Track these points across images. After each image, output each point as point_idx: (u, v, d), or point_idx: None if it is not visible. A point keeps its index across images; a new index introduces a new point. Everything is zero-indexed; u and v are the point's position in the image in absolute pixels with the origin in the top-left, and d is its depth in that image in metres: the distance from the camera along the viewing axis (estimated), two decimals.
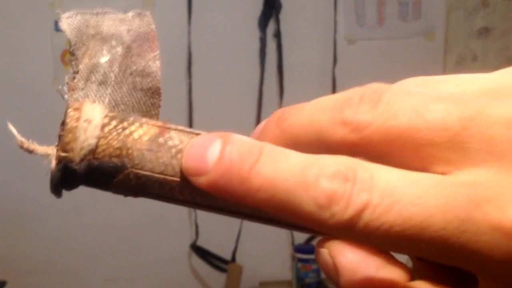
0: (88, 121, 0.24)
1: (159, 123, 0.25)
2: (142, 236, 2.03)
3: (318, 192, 0.19)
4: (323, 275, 1.89)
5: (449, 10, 2.00)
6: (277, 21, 2.00)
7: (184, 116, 1.97)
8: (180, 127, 0.25)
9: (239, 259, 1.99)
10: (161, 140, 0.24)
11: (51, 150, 0.26)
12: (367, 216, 0.19)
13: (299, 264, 1.84)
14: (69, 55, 0.29)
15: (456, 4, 1.99)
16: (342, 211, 0.19)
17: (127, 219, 2.00)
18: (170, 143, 0.24)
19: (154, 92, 0.30)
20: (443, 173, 0.19)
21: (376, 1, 2.00)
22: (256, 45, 2.00)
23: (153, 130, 0.25)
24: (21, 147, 0.28)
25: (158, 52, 0.31)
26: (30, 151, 0.28)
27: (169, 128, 0.25)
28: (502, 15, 2.00)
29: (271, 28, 2.01)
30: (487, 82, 0.21)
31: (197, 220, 2.00)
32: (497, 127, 0.18)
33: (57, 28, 2.00)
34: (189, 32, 1.97)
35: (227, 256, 2.00)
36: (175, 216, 2.00)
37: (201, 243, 2.02)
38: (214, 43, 2.00)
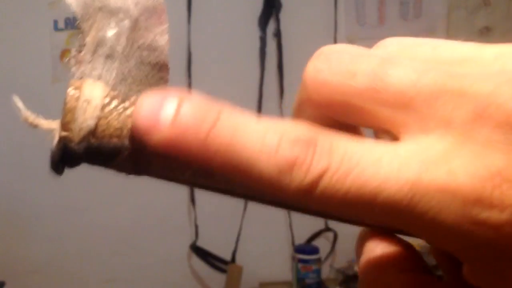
0: (88, 101, 0.24)
1: None
2: (142, 237, 2.03)
3: (278, 158, 0.20)
4: (323, 276, 1.88)
5: (450, 9, 2.01)
6: (277, 21, 2.00)
7: None
8: None
9: (239, 259, 1.99)
10: None
11: (56, 125, 0.25)
12: (325, 181, 0.19)
13: (299, 265, 1.84)
14: (77, 24, 0.28)
15: (457, 3, 2.00)
16: (302, 176, 0.19)
17: (127, 219, 2.00)
18: None
19: (162, 67, 0.30)
20: (397, 136, 0.20)
21: (377, 0, 2.00)
22: (256, 44, 2.00)
23: None
24: (26, 121, 0.28)
25: (166, 26, 0.30)
26: (34, 126, 0.27)
27: None
28: (504, 14, 2.00)
29: (271, 27, 2.01)
30: (460, 51, 0.22)
31: (197, 221, 2.00)
32: (448, 95, 0.19)
33: (56, 28, 2.00)
34: (188, 32, 1.97)
35: (227, 256, 2.00)
36: (174, 216, 2.00)
37: (201, 243, 2.01)
38: (214, 42, 2.00)
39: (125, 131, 0.24)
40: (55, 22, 1.97)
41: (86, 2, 0.30)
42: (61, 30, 1.97)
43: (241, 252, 1.99)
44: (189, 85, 1.99)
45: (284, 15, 2.00)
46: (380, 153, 0.19)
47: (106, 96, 0.24)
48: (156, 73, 0.29)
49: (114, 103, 0.24)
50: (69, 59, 0.29)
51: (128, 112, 0.24)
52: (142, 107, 0.22)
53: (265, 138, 0.20)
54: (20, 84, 1.95)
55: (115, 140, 0.24)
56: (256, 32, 2.00)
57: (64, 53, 1.97)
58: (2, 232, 2.00)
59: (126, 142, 0.24)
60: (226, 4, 2.01)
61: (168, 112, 0.21)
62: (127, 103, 0.24)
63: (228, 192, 0.26)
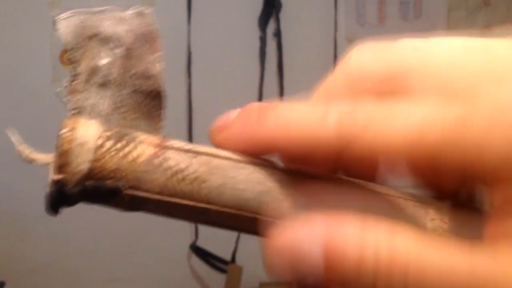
0: (81, 145, 0.24)
1: (157, 141, 0.25)
2: (142, 237, 2.03)
3: (331, 121, 0.22)
4: None
5: (450, 9, 2.00)
6: (277, 20, 1.99)
7: (184, 116, 1.97)
8: (177, 144, 0.25)
9: (239, 259, 1.98)
10: (156, 161, 0.24)
11: (51, 159, 0.25)
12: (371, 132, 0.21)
13: None
14: (68, 54, 0.28)
15: (457, 3, 1.99)
16: (351, 128, 0.22)
17: (127, 219, 1.99)
18: (166, 164, 0.24)
19: (156, 95, 0.29)
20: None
21: (377, 0, 1.99)
22: (256, 44, 1.99)
23: (149, 151, 0.24)
24: (20, 156, 0.28)
25: (160, 53, 0.30)
26: (29, 161, 0.27)
27: (166, 147, 0.24)
28: (504, 14, 1.99)
29: (271, 27, 2.00)
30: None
31: None
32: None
33: (56, 28, 2.00)
34: (188, 32, 1.97)
35: (227, 256, 2.00)
36: None
37: (200, 243, 2.01)
38: (214, 42, 1.99)
39: (118, 173, 0.24)
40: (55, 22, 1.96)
41: (76, 32, 0.30)
42: None
43: (241, 252, 1.99)
44: (189, 85, 1.98)
45: (284, 15, 1.99)
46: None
47: (99, 138, 0.24)
48: (150, 101, 0.29)
49: (108, 144, 0.24)
50: (62, 90, 0.29)
51: (121, 154, 0.24)
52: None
53: (315, 110, 0.23)
54: (19, 84, 1.94)
55: (109, 182, 0.24)
56: (256, 32, 2.00)
57: (64, 53, 1.97)
58: (2, 232, 2.00)
59: (121, 184, 0.24)
60: (226, 4, 2.00)
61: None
62: (119, 145, 0.24)
63: (223, 226, 0.26)
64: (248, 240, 2.01)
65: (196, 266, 2.05)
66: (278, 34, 1.99)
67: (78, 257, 2.03)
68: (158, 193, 0.24)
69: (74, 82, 0.29)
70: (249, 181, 0.24)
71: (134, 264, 2.04)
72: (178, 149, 0.24)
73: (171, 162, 0.24)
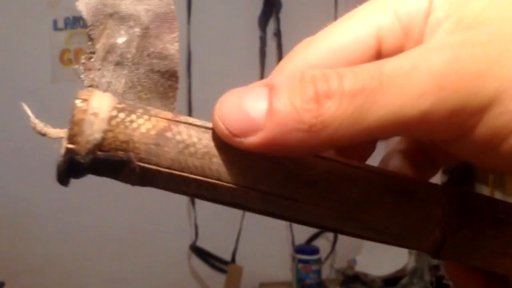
0: (95, 114, 0.24)
1: (169, 115, 0.25)
2: (141, 237, 2.03)
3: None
4: (323, 276, 1.88)
5: None
6: (277, 20, 1.99)
7: None
8: (190, 120, 0.25)
9: (239, 260, 1.98)
10: (169, 134, 0.24)
11: (63, 134, 0.25)
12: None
13: (300, 265, 1.83)
14: (88, 31, 0.28)
15: None
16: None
17: (126, 220, 1.99)
18: (178, 137, 0.24)
19: (172, 75, 0.29)
20: None
21: None
22: (256, 44, 1.99)
23: (162, 124, 0.24)
24: (34, 129, 0.28)
25: (177, 33, 0.30)
26: (43, 134, 0.27)
27: (178, 121, 0.24)
28: None
29: (271, 27, 2.00)
30: None
31: (196, 221, 1.99)
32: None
33: (56, 27, 2.00)
34: (188, 31, 1.97)
35: (227, 257, 2.00)
36: (174, 216, 2.00)
37: (200, 244, 2.01)
38: (213, 42, 1.99)
39: (131, 145, 0.24)
40: (55, 22, 1.96)
41: (97, 8, 0.30)
42: (61, 30, 1.96)
43: (241, 252, 1.98)
44: (189, 85, 1.98)
45: (284, 15, 2.00)
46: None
47: (113, 109, 0.24)
48: (165, 82, 0.29)
49: (121, 116, 0.24)
50: (78, 66, 0.29)
51: (135, 125, 0.24)
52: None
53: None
54: (19, 84, 1.94)
55: (121, 153, 0.24)
56: (256, 32, 2.00)
57: (64, 53, 1.97)
58: (1, 232, 2.00)
59: (132, 155, 0.24)
60: (226, 4, 2.00)
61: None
62: (133, 116, 0.24)
63: (230, 204, 0.26)
64: (248, 240, 2.02)
65: (196, 266, 2.05)
66: (278, 34, 2.00)
67: (78, 257, 2.02)
68: (169, 166, 0.24)
69: (91, 59, 0.29)
70: (260, 158, 0.24)
71: (133, 265, 2.03)
72: (190, 124, 0.24)
73: (183, 136, 0.24)
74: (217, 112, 0.23)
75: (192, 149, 0.24)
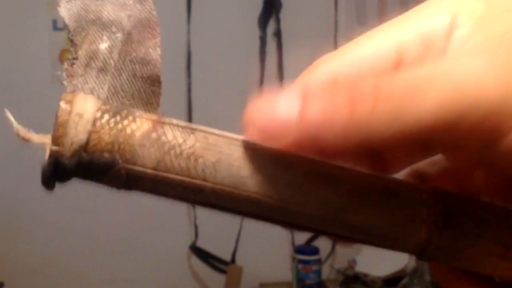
0: (80, 115, 0.24)
1: (154, 117, 0.24)
2: (141, 237, 2.03)
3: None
4: (323, 276, 1.88)
5: None
6: (277, 20, 1.99)
7: (183, 116, 1.96)
8: (175, 121, 0.24)
9: (239, 260, 1.98)
10: (154, 135, 0.24)
11: (47, 139, 0.25)
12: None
13: (300, 265, 1.83)
14: (69, 37, 0.28)
15: None
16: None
17: (126, 219, 1.99)
18: (163, 138, 0.24)
19: (154, 80, 0.29)
20: None
21: (377, 0, 1.99)
22: (256, 44, 1.99)
23: (147, 125, 0.24)
24: (17, 135, 0.28)
25: (159, 39, 0.30)
26: (26, 140, 0.27)
27: (163, 123, 0.24)
28: None
29: (271, 27, 2.00)
30: None
31: (196, 221, 1.99)
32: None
33: (55, 27, 2.00)
34: (188, 31, 1.97)
35: (227, 257, 2.00)
36: (174, 217, 2.00)
37: (200, 244, 2.01)
38: (213, 42, 1.99)
39: (116, 146, 0.23)
40: (54, 22, 1.96)
41: (79, 15, 0.30)
42: (60, 29, 1.96)
43: (241, 252, 1.98)
44: (189, 85, 1.98)
45: (284, 14, 1.99)
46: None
47: (97, 110, 0.24)
48: (148, 87, 0.29)
49: (106, 117, 0.24)
50: (62, 73, 0.29)
51: (120, 126, 0.24)
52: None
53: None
54: (19, 84, 1.94)
55: (106, 155, 0.23)
56: (256, 32, 1.99)
57: (63, 52, 1.97)
58: (1, 232, 2.00)
59: (117, 157, 0.23)
60: (226, 4, 2.00)
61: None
62: (118, 117, 0.24)
63: (216, 206, 0.25)
64: (248, 241, 2.01)
65: (196, 267, 2.05)
66: (278, 34, 1.99)
67: (77, 257, 2.02)
68: (154, 168, 0.24)
69: (74, 66, 0.29)
70: (245, 159, 0.24)
71: (134, 264, 2.03)
72: (175, 125, 0.24)
73: (168, 137, 0.24)
74: (248, 114, 0.23)
75: (177, 149, 0.24)
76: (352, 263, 1.89)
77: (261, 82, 1.99)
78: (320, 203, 0.24)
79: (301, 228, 0.26)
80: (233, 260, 1.99)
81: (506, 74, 0.20)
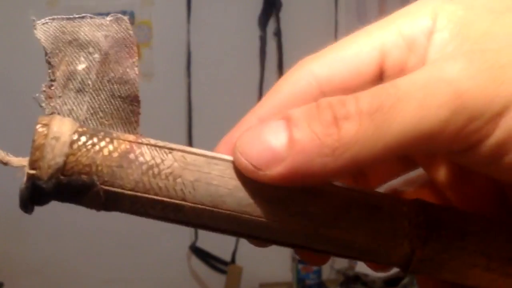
0: (56, 138, 0.24)
1: (131, 138, 0.24)
2: (141, 237, 2.03)
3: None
4: (323, 277, 1.88)
5: None
6: (278, 20, 1.99)
7: (183, 116, 1.96)
8: (153, 141, 0.24)
9: (238, 260, 1.98)
10: (131, 156, 0.24)
11: (25, 162, 0.25)
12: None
13: (300, 266, 1.83)
14: (46, 59, 0.28)
15: None
16: None
17: (126, 220, 1.98)
18: (141, 159, 0.24)
19: (133, 100, 0.29)
20: None
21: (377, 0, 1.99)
22: (256, 44, 1.99)
23: (124, 146, 0.24)
24: None
25: (136, 58, 0.30)
26: (4, 163, 0.27)
27: (141, 143, 0.24)
28: None
29: (271, 26, 2.00)
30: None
31: None
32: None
33: None
34: (188, 31, 1.97)
35: (227, 257, 2.00)
36: None
37: (200, 244, 2.01)
38: (213, 42, 1.99)
39: (93, 168, 0.23)
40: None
41: (55, 36, 0.30)
42: None
43: (241, 252, 1.98)
44: (189, 85, 1.98)
45: (284, 14, 1.99)
46: None
47: (74, 133, 0.24)
48: (127, 107, 0.28)
49: (83, 139, 0.24)
50: (39, 94, 0.29)
51: (97, 148, 0.24)
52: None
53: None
54: (18, 84, 1.95)
55: (84, 177, 0.23)
56: (256, 32, 1.99)
57: None
58: (1, 233, 2.01)
59: (95, 178, 0.23)
60: (226, 3, 2.00)
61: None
62: (95, 139, 0.24)
63: (196, 225, 0.25)
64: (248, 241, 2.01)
65: (196, 267, 2.05)
66: (278, 34, 1.99)
67: (77, 257, 2.03)
68: (133, 188, 0.24)
69: (52, 87, 0.29)
70: (223, 177, 0.24)
71: (133, 265, 2.04)
72: (153, 145, 0.24)
73: (146, 157, 0.24)
74: (238, 149, 0.23)
75: (155, 170, 0.24)
76: (353, 263, 1.89)
77: (261, 82, 1.99)
78: (301, 218, 0.24)
79: (284, 244, 0.26)
80: (233, 260, 1.99)
81: (483, 79, 0.20)
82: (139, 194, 0.24)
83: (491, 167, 0.22)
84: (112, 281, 2.04)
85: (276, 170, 0.22)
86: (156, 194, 0.24)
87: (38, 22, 0.29)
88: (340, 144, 0.21)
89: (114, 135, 0.24)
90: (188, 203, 0.24)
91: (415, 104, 0.21)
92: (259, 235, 0.25)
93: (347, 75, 0.26)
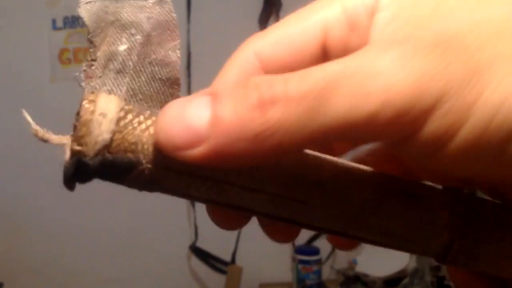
0: (103, 115, 0.23)
1: None
2: (141, 237, 2.02)
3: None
4: (324, 277, 1.88)
5: None
6: (278, 20, 1.98)
7: None
8: None
9: (239, 260, 1.98)
10: None
11: (66, 140, 0.24)
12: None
13: (300, 266, 1.83)
14: (89, 38, 0.27)
15: None
16: None
17: (126, 220, 1.99)
18: None
19: (173, 82, 0.29)
20: None
21: None
22: None
23: None
24: (36, 135, 0.27)
25: (178, 41, 0.30)
26: (44, 140, 0.26)
27: None
28: None
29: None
30: None
31: (196, 221, 1.99)
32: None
33: (55, 27, 1.99)
34: (188, 31, 1.96)
35: (227, 257, 1.99)
36: (174, 217, 1.99)
37: (200, 244, 2.01)
38: (213, 42, 1.99)
39: (139, 146, 0.23)
40: (53, 21, 1.96)
41: (98, 16, 0.30)
42: (60, 29, 1.96)
43: (241, 253, 1.98)
44: (189, 85, 1.98)
45: (284, 14, 1.98)
46: None
47: (121, 110, 0.24)
48: (166, 90, 0.28)
49: (129, 117, 0.24)
50: (79, 74, 0.28)
51: (143, 126, 0.23)
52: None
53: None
54: (18, 84, 1.94)
55: (129, 155, 0.23)
56: (256, 31, 1.98)
57: (63, 52, 1.96)
58: (1, 233, 2.00)
59: (141, 157, 0.23)
60: (226, 2, 2.00)
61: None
62: (141, 117, 0.24)
63: (238, 208, 0.25)
64: (248, 241, 2.01)
65: (196, 267, 2.05)
66: None
67: (77, 257, 2.02)
68: (179, 168, 0.23)
69: (92, 67, 0.29)
70: None
71: (133, 265, 2.03)
72: None
73: None
74: (159, 124, 0.22)
75: None
76: (353, 263, 1.89)
77: None
78: (343, 204, 0.24)
79: (323, 230, 0.26)
80: (233, 260, 1.98)
81: (413, 72, 0.20)
82: (183, 175, 0.23)
83: (426, 162, 0.22)
84: (112, 281, 2.03)
85: (196, 151, 0.21)
86: (201, 176, 0.24)
87: (82, 1, 0.29)
88: (263, 128, 0.20)
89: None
90: (232, 184, 0.24)
91: (343, 93, 0.20)
92: (301, 220, 0.25)
93: (289, 54, 0.25)
